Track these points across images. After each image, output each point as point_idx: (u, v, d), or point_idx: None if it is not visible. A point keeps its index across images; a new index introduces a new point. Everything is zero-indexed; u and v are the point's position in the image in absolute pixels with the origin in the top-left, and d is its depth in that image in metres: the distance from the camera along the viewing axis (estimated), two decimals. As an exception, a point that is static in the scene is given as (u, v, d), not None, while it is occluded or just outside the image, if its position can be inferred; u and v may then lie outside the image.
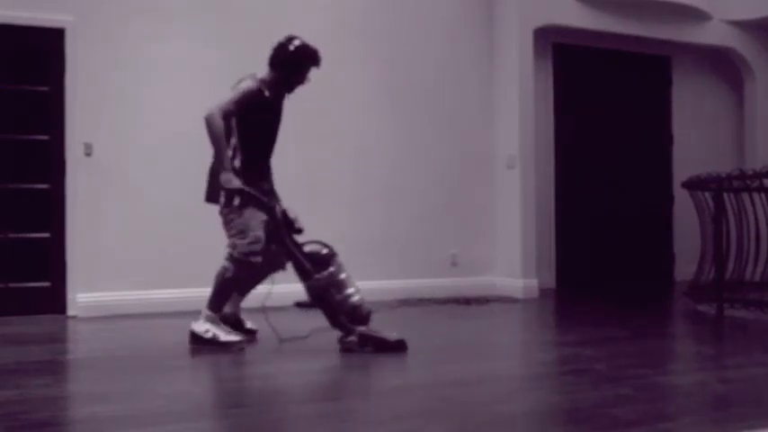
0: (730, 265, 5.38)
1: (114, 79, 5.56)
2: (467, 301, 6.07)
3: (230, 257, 3.99)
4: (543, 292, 6.66)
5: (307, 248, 3.98)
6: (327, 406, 2.87)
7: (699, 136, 7.99)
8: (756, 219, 5.29)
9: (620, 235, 7.52)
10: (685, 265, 7.37)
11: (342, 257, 4.08)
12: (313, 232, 5.97)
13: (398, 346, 3.79)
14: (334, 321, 3.88)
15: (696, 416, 2.63)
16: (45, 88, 5.45)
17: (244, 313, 4.30)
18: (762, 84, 7.85)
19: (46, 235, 5.43)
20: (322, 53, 6.12)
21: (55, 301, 5.41)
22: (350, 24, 6.25)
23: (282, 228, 3.93)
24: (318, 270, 3.88)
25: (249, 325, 4.29)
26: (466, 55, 6.77)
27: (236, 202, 3.94)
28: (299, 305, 5.87)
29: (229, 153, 3.99)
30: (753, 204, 5.28)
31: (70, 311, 5.42)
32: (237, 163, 3.99)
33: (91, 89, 5.49)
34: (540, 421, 2.59)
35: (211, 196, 4.12)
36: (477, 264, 6.74)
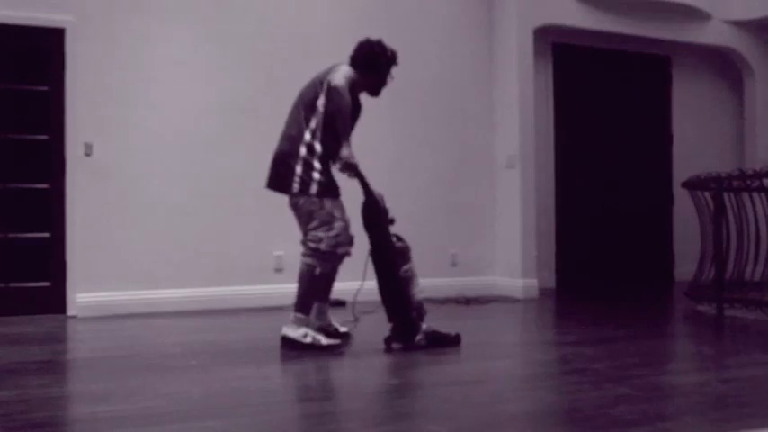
0: (730, 265, 5.38)
1: (114, 79, 5.56)
2: (466, 301, 6.07)
3: (315, 252, 3.79)
4: (543, 291, 6.66)
5: None
6: (327, 406, 2.87)
7: (699, 136, 8.00)
8: (756, 219, 5.29)
9: (620, 235, 7.52)
10: (685, 265, 7.37)
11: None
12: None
13: (457, 341, 3.90)
14: (404, 317, 3.82)
15: (696, 416, 2.63)
16: (45, 88, 5.45)
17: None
18: (762, 84, 7.85)
19: (46, 235, 5.43)
20: (322, 53, 6.14)
21: (55, 301, 5.41)
22: (349, 25, 6.24)
23: (384, 216, 3.84)
24: (401, 264, 3.83)
25: (342, 329, 4.14)
26: (466, 55, 6.77)
27: (314, 189, 3.78)
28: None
29: (308, 135, 3.83)
30: (753, 204, 5.28)
31: (70, 311, 5.42)
32: (318, 146, 3.82)
33: (91, 89, 5.49)
34: (540, 421, 2.59)
35: (275, 184, 3.90)
36: (477, 264, 6.74)
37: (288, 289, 6.05)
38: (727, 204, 5.32)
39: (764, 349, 4.01)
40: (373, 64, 4.03)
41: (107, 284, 5.48)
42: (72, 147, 5.45)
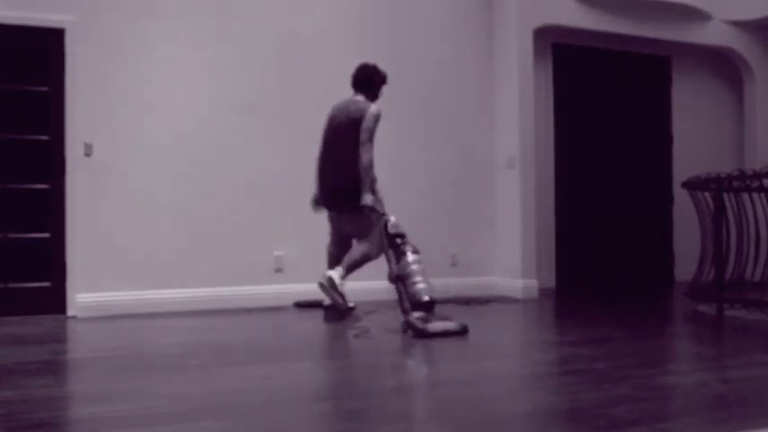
0: (730, 266, 5.38)
1: (114, 79, 5.57)
2: (466, 301, 6.07)
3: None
4: (543, 291, 6.66)
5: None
6: (327, 406, 2.87)
7: (699, 136, 8.00)
8: (756, 219, 5.29)
9: (620, 235, 7.53)
10: (685, 265, 7.38)
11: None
12: (314, 231, 5.99)
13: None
14: (402, 306, 4.52)
15: (696, 416, 2.63)
16: (45, 88, 5.46)
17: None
18: (762, 84, 7.86)
19: (46, 235, 5.43)
20: (322, 54, 6.15)
21: (55, 301, 5.42)
22: (350, 25, 6.25)
23: (384, 232, 4.79)
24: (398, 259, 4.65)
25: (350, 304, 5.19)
26: (466, 55, 6.78)
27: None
28: (299, 305, 5.88)
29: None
30: (753, 204, 5.28)
31: (70, 311, 5.42)
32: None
33: (91, 89, 5.49)
34: (540, 421, 2.59)
35: (340, 205, 5.07)
36: (477, 264, 6.74)
37: (288, 289, 6.07)
38: (727, 204, 5.33)
39: (764, 349, 4.01)
40: (371, 84, 5.14)
41: (107, 285, 5.49)
42: (72, 147, 5.45)
